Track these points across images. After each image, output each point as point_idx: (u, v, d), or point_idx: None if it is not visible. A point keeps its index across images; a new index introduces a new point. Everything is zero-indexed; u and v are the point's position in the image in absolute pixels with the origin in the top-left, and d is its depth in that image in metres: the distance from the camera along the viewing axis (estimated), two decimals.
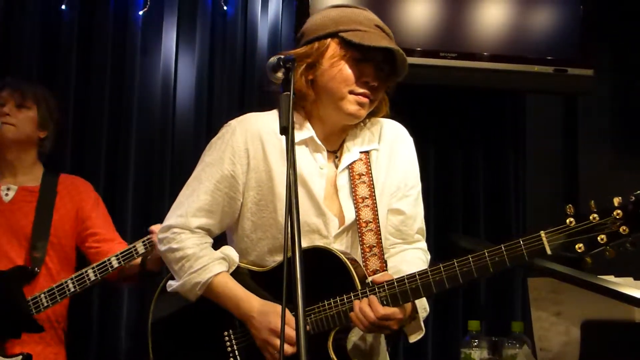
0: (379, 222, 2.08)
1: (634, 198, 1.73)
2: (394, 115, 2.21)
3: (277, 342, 1.94)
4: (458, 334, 3.68)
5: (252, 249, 2.12)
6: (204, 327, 2.13)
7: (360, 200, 2.08)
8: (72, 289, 2.86)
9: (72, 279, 2.87)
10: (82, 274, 2.87)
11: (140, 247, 2.88)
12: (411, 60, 3.32)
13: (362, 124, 2.16)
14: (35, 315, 2.84)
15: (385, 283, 1.95)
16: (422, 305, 2.07)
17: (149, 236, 2.86)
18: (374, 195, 2.09)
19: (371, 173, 2.12)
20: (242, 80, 3.79)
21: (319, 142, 2.10)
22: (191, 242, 2.08)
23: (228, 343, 2.08)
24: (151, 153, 3.71)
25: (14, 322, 2.83)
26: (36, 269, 2.90)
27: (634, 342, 1.79)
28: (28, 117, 3.04)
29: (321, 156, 2.11)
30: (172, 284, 2.11)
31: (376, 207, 2.09)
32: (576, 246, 1.77)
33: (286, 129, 1.62)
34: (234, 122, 2.14)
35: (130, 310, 3.56)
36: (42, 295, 2.84)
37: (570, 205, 1.80)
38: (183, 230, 2.09)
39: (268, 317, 1.97)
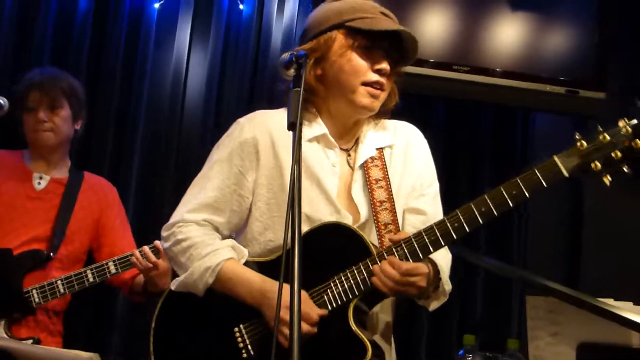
0: (398, 224, 2.03)
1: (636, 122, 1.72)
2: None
3: None
4: (452, 348, 3.66)
5: (259, 252, 2.05)
6: (212, 326, 2.01)
7: (378, 204, 2.02)
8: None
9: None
10: (81, 273, 2.87)
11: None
12: (423, 71, 3.42)
13: (374, 122, 2.12)
14: (43, 304, 2.82)
15: (402, 241, 1.89)
16: (445, 279, 2.01)
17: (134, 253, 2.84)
18: (392, 198, 2.04)
19: (388, 177, 2.06)
20: (252, 80, 3.79)
21: (331, 139, 2.05)
22: (199, 232, 2.02)
23: (240, 339, 1.97)
24: (156, 154, 3.69)
25: (5, 301, 2.80)
26: (52, 254, 2.88)
27: None
28: (63, 117, 2.98)
29: (334, 153, 2.05)
30: (177, 280, 2.02)
31: (394, 209, 2.03)
32: (592, 165, 1.76)
33: (294, 125, 1.59)
34: (242, 120, 2.12)
35: (122, 308, 3.55)
36: (59, 282, 2.83)
37: (577, 132, 1.80)
38: (189, 223, 2.03)
39: (284, 295, 1.84)
